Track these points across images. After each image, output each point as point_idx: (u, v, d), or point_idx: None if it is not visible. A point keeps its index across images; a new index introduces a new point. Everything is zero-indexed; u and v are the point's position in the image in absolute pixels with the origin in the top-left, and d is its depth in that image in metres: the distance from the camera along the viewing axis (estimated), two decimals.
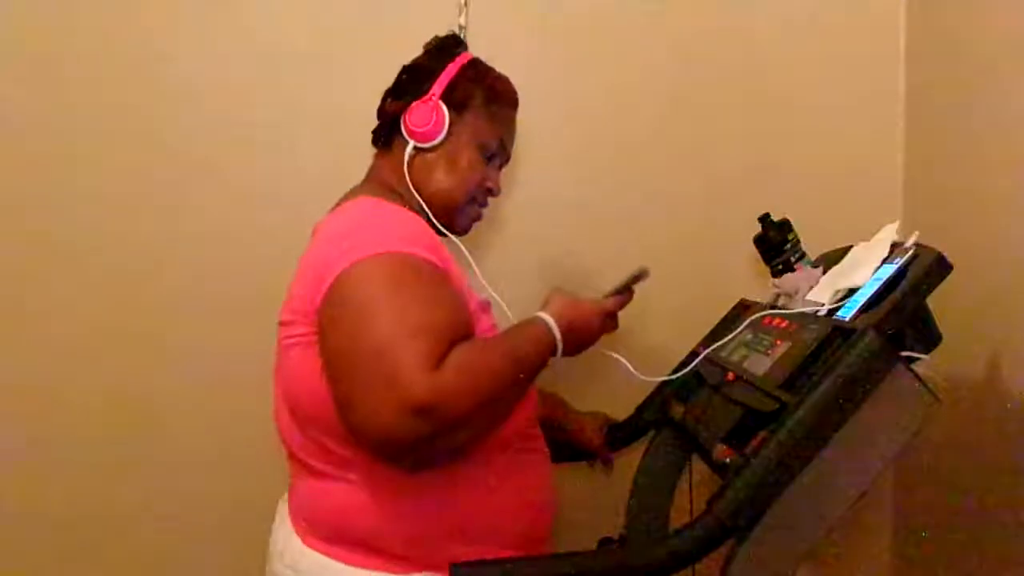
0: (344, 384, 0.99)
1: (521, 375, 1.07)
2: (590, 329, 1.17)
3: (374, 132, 1.27)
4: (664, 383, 1.45)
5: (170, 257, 1.77)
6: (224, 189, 1.77)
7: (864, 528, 1.79)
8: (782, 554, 0.99)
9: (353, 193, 1.21)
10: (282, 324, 1.13)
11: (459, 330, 1.03)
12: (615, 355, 1.27)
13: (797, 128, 1.81)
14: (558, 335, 1.11)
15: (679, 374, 1.31)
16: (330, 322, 1.02)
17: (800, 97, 1.81)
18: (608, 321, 1.22)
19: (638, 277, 1.25)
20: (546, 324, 1.11)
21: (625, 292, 1.25)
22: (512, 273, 1.72)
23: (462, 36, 1.70)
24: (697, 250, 1.80)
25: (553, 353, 1.11)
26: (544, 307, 1.15)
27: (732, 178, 1.80)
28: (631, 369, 1.26)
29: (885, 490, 1.78)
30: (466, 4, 1.75)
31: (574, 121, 1.77)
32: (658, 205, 1.81)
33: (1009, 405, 1.36)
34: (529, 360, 1.08)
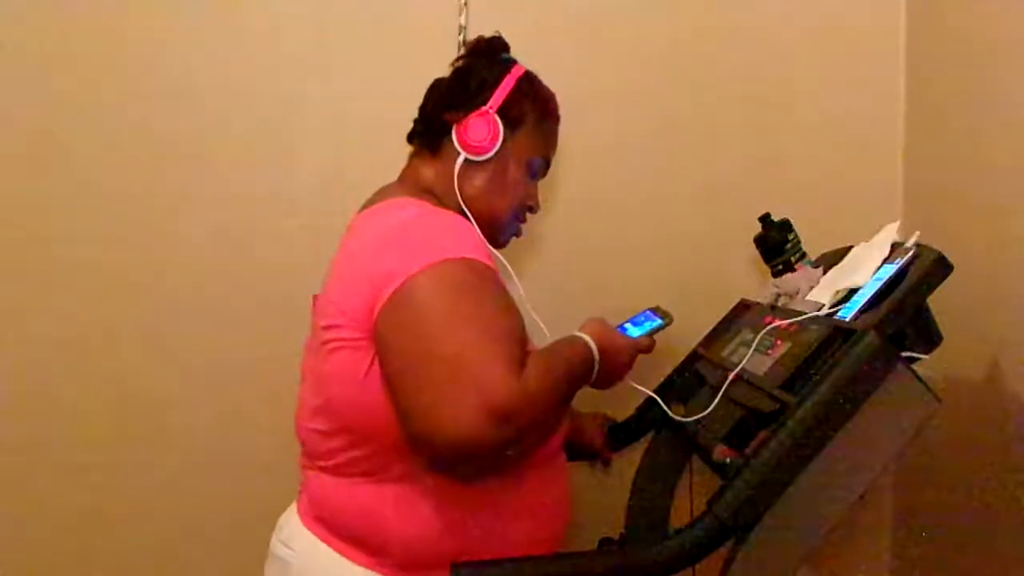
0: (418, 392, 0.96)
1: (572, 391, 1.09)
2: (621, 362, 1.17)
3: (414, 132, 1.25)
4: (665, 384, 1.45)
5: (170, 256, 1.77)
6: (224, 189, 1.77)
7: (864, 528, 1.79)
8: (782, 554, 0.99)
9: (391, 192, 1.18)
10: (325, 328, 1.09)
11: (526, 336, 1.04)
12: (649, 391, 1.27)
13: (797, 127, 1.81)
14: (597, 358, 1.11)
15: (706, 412, 1.23)
16: (398, 329, 0.99)
17: (800, 96, 1.81)
18: (634, 357, 1.21)
19: (665, 325, 1.25)
20: (588, 345, 1.11)
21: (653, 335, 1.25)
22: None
23: (461, 36, 1.72)
24: (697, 250, 1.80)
25: (591, 376, 1.12)
26: (583, 329, 1.14)
27: (732, 178, 1.80)
28: (666, 409, 1.27)
29: (885, 490, 1.78)
30: (466, 4, 1.75)
31: (573, 121, 1.76)
32: (658, 205, 1.81)
33: (1009, 405, 1.36)
34: (582, 375, 1.10)
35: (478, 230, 1.16)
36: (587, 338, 1.12)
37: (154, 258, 1.76)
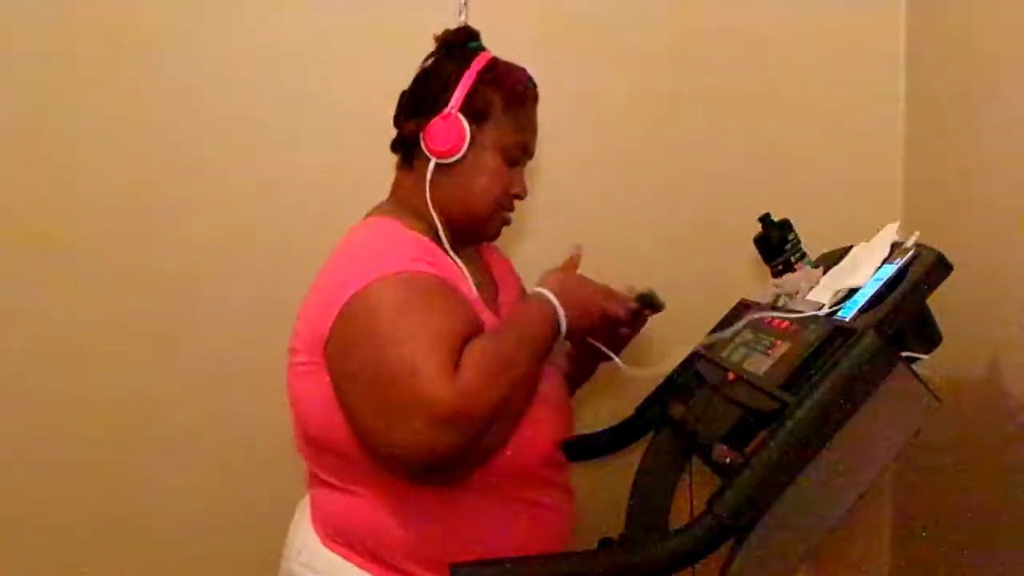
0: (369, 414, 0.99)
1: (534, 357, 1.06)
2: (590, 303, 1.14)
3: (393, 142, 1.25)
4: (665, 384, 1.45)
5: (170, 257, 1.77)
6: (224, 189, 1.77)
7: (864, 528, 1.79)
8: (782, 554, 0.99)
9: (374, 211, 1.21)
10: (290, 350, 1.13)
11: (470, 332, 1.03)
12: (625, 367, 1.27)
13: (797, 128, 1.81)
14: (559, 306, 1.09)
15: (693, 400, 1.26)
16: (343, 352, 1.02)
17: (800, 97, 1.81)
18: (614, 303, 1.17)
19: (655, 307, 1.25)
20: (544, 297, 1.09)
21: (640, 308, 1.25)
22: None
23: None
24: (697, 250, 1.80)
25: (559, 328, 1.09)
26: (540, 282, 1.14)
27: (732, 178, 1.80)
28: (615, 358, 1.26)
29: (885, 490, 1.78)
30: (466, 4, 1.75)
31: (574, 121, 1.77)
32: (658, 205, 1.81)
33: (1009, 405, 1.36)
34: (538, 340, 1.07)
35: (443, 236, 1.16)
36: (543, 291, 1.10)
37: (154, 258, 1.76)
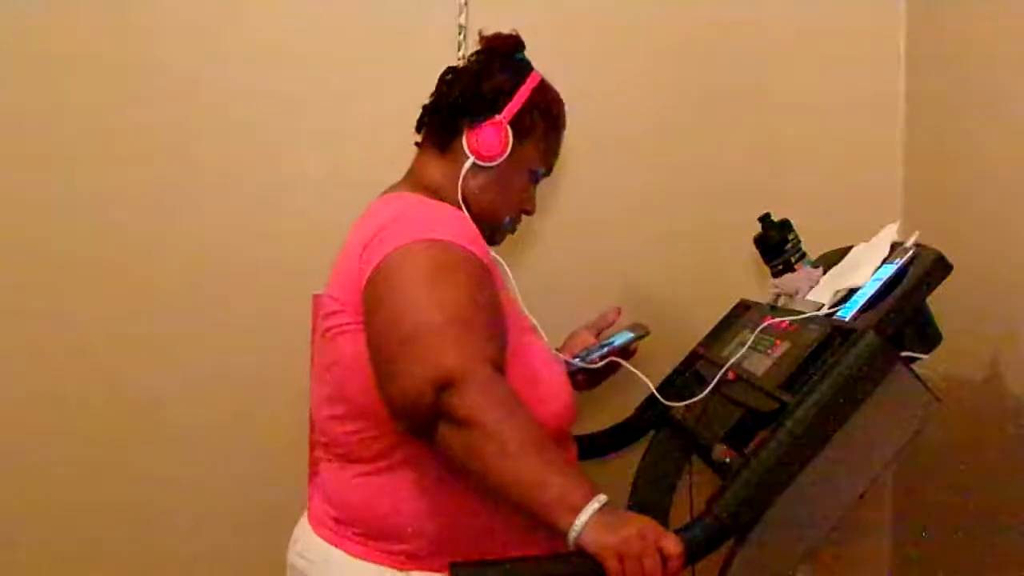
0: (381, 363, 1.00)
1: (515, 479, 0.91)
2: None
3: (423, 124, 1.25)
4: (665, 384, 1.45)
5: (170, 257, 1.77)
6: (224, 189, 1.77)
7: (864, 528, 1.79)
8: (782, 554, 0.99)
9: (395, 190, 1.21)
10: (328, 314, 1.12)
11: (493, 333, 1.02)
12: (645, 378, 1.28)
13: (797, 128, 1.81)
14: (579, 523, 0.88)
15: (695, 399, 1.24)
16: (374, 303, 1.03)
17: (800, 97, 1.81)
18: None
19: (639, 336, 1.29)
20: (585, 505, 0.88)
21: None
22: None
23: (462, 36, 1.72)
24: (697, 250, 1.80)
25: (561, 528, 0.89)
26: (605, 524, 0.89)
27: (732, 178, 1.80)
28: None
29: (885, 490, 1.78)
30: (466, 4, 1.75)
31: (573, 121, 1.76)
32: (658, 205, 1.81)
33: (1009, 405, 1.36)
34: (537, 481, 0.91)
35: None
36: (593, 504, 0.88)
37: (153, 258, 1.76)
